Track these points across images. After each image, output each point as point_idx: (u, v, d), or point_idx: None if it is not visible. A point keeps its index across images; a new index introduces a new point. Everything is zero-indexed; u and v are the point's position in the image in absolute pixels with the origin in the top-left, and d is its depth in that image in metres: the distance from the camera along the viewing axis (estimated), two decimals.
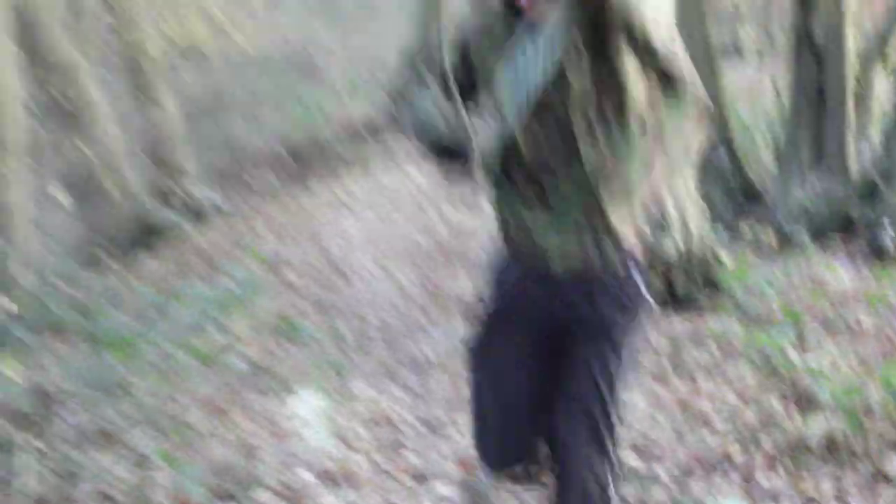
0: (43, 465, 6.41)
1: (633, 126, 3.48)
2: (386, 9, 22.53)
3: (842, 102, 9.31)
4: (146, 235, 14.02)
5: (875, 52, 10.19)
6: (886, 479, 5.05)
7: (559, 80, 3.48)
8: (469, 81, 3.85)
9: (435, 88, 3.96)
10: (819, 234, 8.84)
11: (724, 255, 8.06)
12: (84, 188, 14.00)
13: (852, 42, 9.44)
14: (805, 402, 5.86)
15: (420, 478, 5.88)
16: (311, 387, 7.38)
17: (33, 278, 10.09)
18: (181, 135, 15.77)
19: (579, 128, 3.50)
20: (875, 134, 9.65)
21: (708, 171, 9.03)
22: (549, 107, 3.53)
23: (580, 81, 3.45)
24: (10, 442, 6.48)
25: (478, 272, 5.07)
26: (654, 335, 7.44)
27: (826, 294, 7.46)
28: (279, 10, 20.49)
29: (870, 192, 8.69)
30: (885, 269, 8.03)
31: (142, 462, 6.41)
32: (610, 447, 3.86)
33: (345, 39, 21.45)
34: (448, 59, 3.89)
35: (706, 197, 8.20)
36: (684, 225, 7.59)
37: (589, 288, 3.72)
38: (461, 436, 6.26)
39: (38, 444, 6.64)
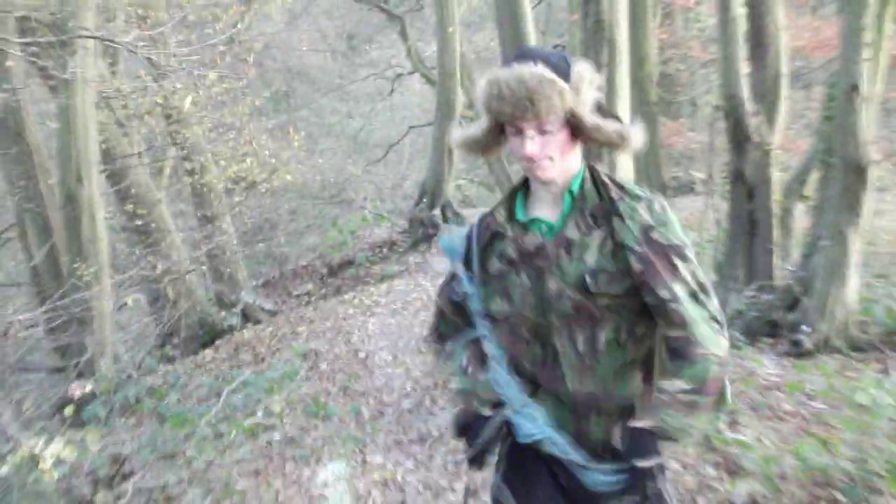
0: None
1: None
2: (404, 151, 22.73)
3: (768, 227, 9.36)
4: (206, 333, 14.08)
5: (795, 186, 10.32)
6: None
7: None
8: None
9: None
10: (751, 335, 8.84)
11: None
12: (158, 296, 14.11)
13: (776, 178, 9.53)
14: (734, 470, 5.87)
15: None
16: (335, 456, 7.40)
17: (112, 367, 10.13)
18: (237, 252, 15.87)
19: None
20: (795, 252, 9.72)
21: None
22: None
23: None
24: (90, 501, 6.50)
25: None
26: None
27: (755, 383, 7.48)
28: (317, 151, 20.63)
29: (791, 301, 8.72)
30: (803, 363, 8.04)
31: None
32: None
33: (370, 175, 21.65)
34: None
35: None
36: None
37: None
38: (455, 498, 6.28)
39: (112, 501, 6.67)
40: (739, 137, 9.55)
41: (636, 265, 2.87)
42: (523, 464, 3.19)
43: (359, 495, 6.66)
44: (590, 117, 2.85)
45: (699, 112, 19.96)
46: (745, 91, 9.61)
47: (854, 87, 7.52)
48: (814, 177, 9.97)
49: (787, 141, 11.49)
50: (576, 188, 2.98)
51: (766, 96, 9.78)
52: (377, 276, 16.79)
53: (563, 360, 3.00)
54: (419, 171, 21.75)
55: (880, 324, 7.99)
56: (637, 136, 2.92)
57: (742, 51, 9.66)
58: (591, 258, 2.91)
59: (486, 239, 3.15)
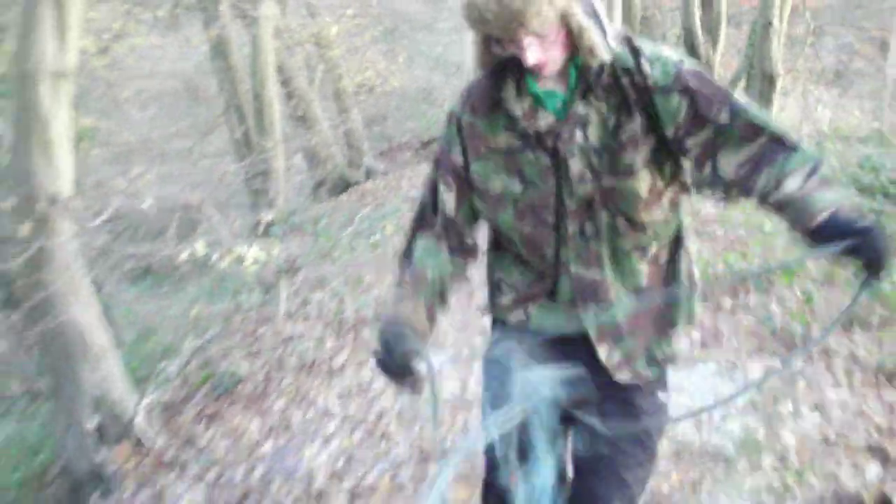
0: (291, 295, 6.62)
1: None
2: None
3: None
4: (343, 185, 14.19)
5: (742, 72, 10.14)
6: (722, 308, 5.10)
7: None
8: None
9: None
10: (696, 186, 8.72)
11: None
12: (312, 159, 14.22)
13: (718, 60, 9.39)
14: None
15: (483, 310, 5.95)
16: None
17: (285, 203, 10.29)
18: (362, 132, 15.85)
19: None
20: None
21: None
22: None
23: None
24: (275, 284, 6.67)
25: None
26: None
27: (699, 218, 7.41)
28: (414, 65, 20.31)
29: None
30: (731, 204, 7.94)
31: (339, 297, 6.60)
32: None
33: (449, 81, 21.32)
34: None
35: None
36: None
37: None
38: None
39: (289, 286, 6.85)
40: (693, 57, 9.34)
41: (678, 104, 1.74)
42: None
43: None
44: (580, 20, 1.67)
45: (667, 41, 19.40)
46: (698, 26, 9.38)
47: (769, 23, 7.31)
48: (741, 84, 9.73)
49: (724, 60, 11.20)
50: (581, 57, 1.75)
51: (712, 30, 9.57)
52: None
53: (571, 245, 1.88)
54: None
55: None
56: (608, 53, 1.73)
57: None
58: (594, 135, 1.79)
59: (488, 107, 1.89)
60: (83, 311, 4.91)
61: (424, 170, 13.52)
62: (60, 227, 4.78)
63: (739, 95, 1.83)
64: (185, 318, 6.20)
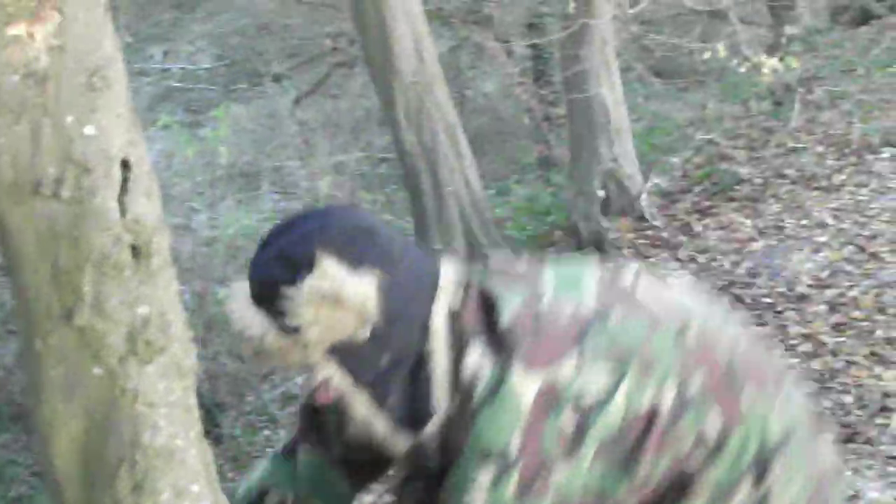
0: (801, 109, 6.17)
1: None
2: None
3: None
4: (863, 16, 12.41)
5: None
6: None
7: None
8: None
9: None
10: None
11: None
12: None
13: None
14: None
15: None
16: None
17: (809, 21, 9.39)
18: None
19: None
20: None
21: None
22: None
23: None
24: (787, 97, 6.24)
25: None
26: None
27: None
28: None
29: None
30: None
31: (848, 119, 6.01)
32: None
33: None
34: None
35: None
36: None
37: None
38: None
39: (801, 100, 6.38)
40: None
41: None
42: None
43: None
44: None
45: None
46: None
47: None
48: None
49: None
50: None
51: None
52: None
53: None
54: None
55: None
56: None
57: None
58: None
59: None
60: (610, 90, 5.31)
61: None
62: (602, 8, 5.12)
63: None
64: (695, 115, 6.26)
